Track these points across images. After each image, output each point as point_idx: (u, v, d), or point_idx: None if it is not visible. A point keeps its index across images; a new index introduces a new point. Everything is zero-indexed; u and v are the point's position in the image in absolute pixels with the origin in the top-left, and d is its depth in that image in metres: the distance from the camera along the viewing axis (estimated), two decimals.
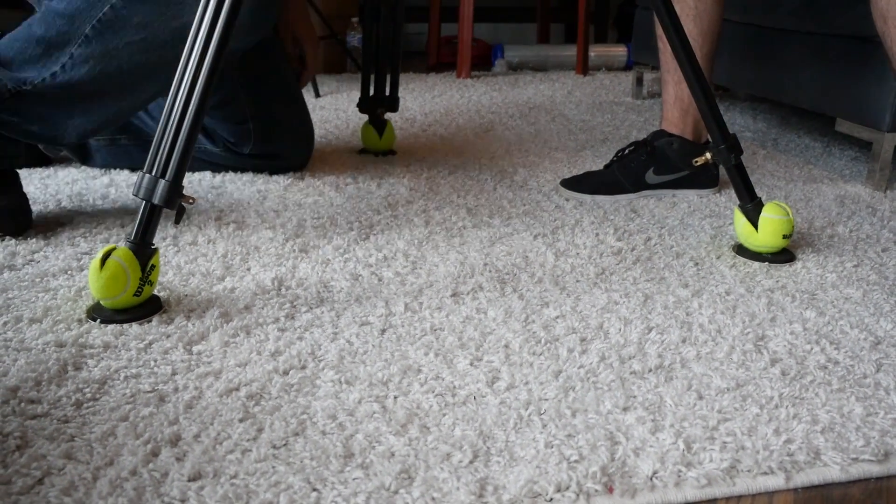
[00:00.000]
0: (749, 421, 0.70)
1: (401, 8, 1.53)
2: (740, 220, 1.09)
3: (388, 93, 1.59)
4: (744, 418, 0.71)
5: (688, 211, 1.29)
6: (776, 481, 0.63)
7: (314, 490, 0.60)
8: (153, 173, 0.89)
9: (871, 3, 1.17)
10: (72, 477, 0.61)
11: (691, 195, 1.37)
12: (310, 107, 2.13)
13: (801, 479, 0.64)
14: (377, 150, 1.61)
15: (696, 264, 1.07)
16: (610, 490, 0.61)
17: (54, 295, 0.93)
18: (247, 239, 1.12)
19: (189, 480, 0.61)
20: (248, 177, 1.43)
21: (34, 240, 1.10)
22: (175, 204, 0.89)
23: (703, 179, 1.36)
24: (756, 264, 1.07)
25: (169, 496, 0.59)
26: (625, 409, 0.72)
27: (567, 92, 2.48)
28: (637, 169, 1.34)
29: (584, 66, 2.91)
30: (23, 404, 0.70)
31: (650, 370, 0.79)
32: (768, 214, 1.07)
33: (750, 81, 1.77)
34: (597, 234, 1.17)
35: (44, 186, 1.36)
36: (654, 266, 1.06)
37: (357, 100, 1.61)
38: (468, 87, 2.56)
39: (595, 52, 3.05)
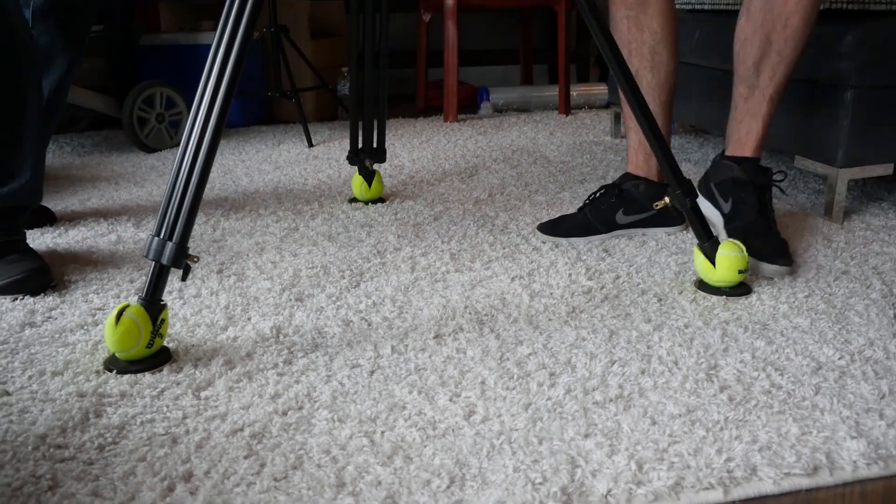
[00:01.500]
0: (696, 442, 0.79)
1: (384, 59, 1.64)
2: (699, 257, 1.19)
3: (375, 144, 1.70)
4: (691, 440, 0.80)
5: (655, 249, 1.39)
6: (716, 495, 0.72)
7: None
8: (161, 236, 0.99)
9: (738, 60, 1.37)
10: None
11: (660, 233, 1.47)
12: (303, 157, 2.25)
13: (738, 492, 0.73)
14: (366, 199, 1.71)
15: (660, 300, 1.16)
16: None
17: (73, 349, 1.02)
18: (247, 290, 1.22)
19: None
20: (246, 229, 1.53)
21: (50, 297, 1.20)
22: (182, 263, 0.98)
23: (670, 218, 1.46)
24: (715, 298, 1.17)
25: None
26: (586, 436, 0.81)
27: (549, 133, 2.60)
28: (607, 211, 1.44)
29: (566, 106, 3.03)
30: (51, 449, 0.79)
31: (611, 400, 0.88)
32: (724, 252, 1.16)
33: (715, 121, 1.88)
34: (570, 275, 1.26)
35: (55, 245, 1.46)
36: (620, 303, 1.15)
37: (347, 149, 1.72)
38: (454, 131, 2.68)
39: (577, 91, 3.18)
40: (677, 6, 1.91)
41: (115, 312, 0.95)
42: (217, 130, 0.99)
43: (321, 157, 2.25)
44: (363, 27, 1.61)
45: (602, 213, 1.44)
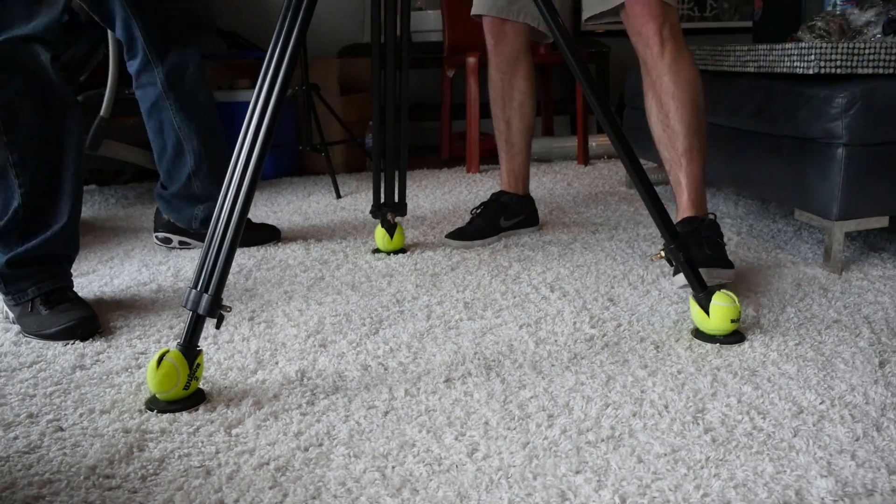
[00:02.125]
0: (677, 479, 0.87)
1: (405, 113, 1.77)
2: (695, 307, 1.27)
3: (396, 199, 1.82)
4: (673, 477, 0.88)
5: (658, 298, 1.47)
6: None
7: None
8: (198, 288, 1.10)
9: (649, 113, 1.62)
10: None
11: (530, 233, 1.97)
12: (331, 208, 2.37)
13: None
14: (389, 250, 1.82)
15: (657, 347, 1.24)
16: None
17: (119, 390, 1.13)
18: (275, 336, 1.33)
19: None
20: (276, 279, 1.65)
21: (98, 342, 1.32)
22: (216, 313, 1.09)
23: (534, 220, 2.02)
24: (709, 346, 1.24)
25: None
26: (577, 472, 0.89)
27: (567, 183, 2.70)
28: (494, 218, 1.93)
29: (584, 156, 3.14)
30: (100, 479, 0.90)
31: (602, 440, 0.96)
32: (717, 302, 1.24)
33: (723, 176, 1.97)
34: (574, 323, 1.35)
35: (101, 293, 1.58)
36: (619, 350, 1.24)
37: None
38: (476, 181, 2.79)
39: (595, 141, 3.28)
40: None
41: (156, 357, 1.06)
42: (251, 187, 1.11)
43: (348, 209, 2.37)
44: (385, 83, 1.74)
45: (490, 221, 1.91)
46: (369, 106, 3.34)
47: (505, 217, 1.94)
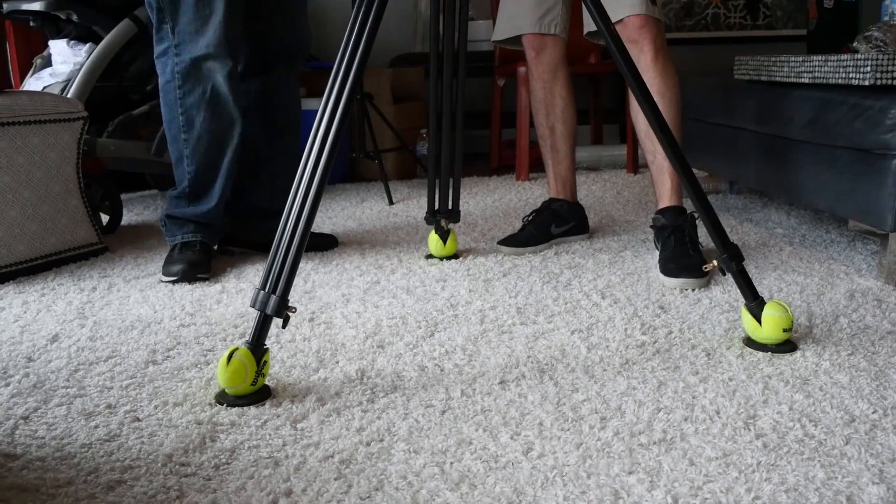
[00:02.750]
0: (728, 482, 0.89)
1: (460, 122, 1.82)
2: (746, 316, 1.29)
3: (450, 206, 1.86)
4: (724, 480, 0.90)
5: (709, 307, 1.49)
6: None
7: None
8: (266, 289, 1.16)
9: (635, 125, 1.81)
10: None
11: (583, 240, 2.02)
12: (384, 213, 2.43)
13: None
14: (442, 256, 1.87)
15: (708, 355, 1.26)
16: None
17: (189, 384, 1.20)
18: (335, 337, 1.38)
19: None
20: (334, 282, 1.70)
21: (167, 339, 1.39)
22: (283, 314, 1.15)
23: (584, 227, 2.08)
24: (760, 354, 1.26)
25: None
26: (629, 473, 0.92)
27: (616, 192, 2.72)
28: (545, 225, 1.99)
29: (634, 165, 3.15)
30: (177, 466, 0.96)
31: (654, 442, 0.99)
32: (769, 312, 1.26)
33: (775, 186, 1.97)
34: (625, 329, 1.38)
35: (170, 293, 1.66)
36: (671, 356, 1.26)
37: (424, 208, 1.89)
38: (526, 189, 2.83)
39: None
40: (736, 76, 2.03)
41: (226, 354, 1.12)
42: (319, 191, 1.17)
43: (400, 215, 2.43)
44: (441, 92, 1.79)
45: (541, 228, 1.96)
46: (420, 114, 3.41)
47: (556, 224, 2.00)
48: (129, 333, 1.43)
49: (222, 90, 1.76)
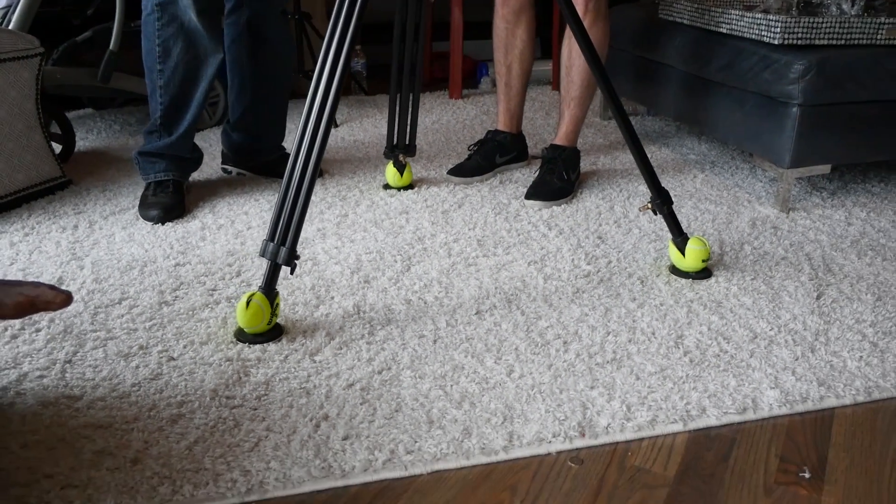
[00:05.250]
0: (666, 392, 1.17)
1: (419, 66, 1.94)
2: (673, 249, 1.55)
3: (407, 141, 2.03)
4: (663, 390, 1.17)
5: (639, 236, 1.75)
6: (678, 427, 1.10)
7: (415, 441, 1.06)
8: (275, 241, 1.33)
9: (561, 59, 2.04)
10: (275, 441, 1.06)
11: (520, 167, 2.27)
12: (332, 138, 2.56)
13: (693, 425, 1.10)
14: (398, 186, 2.05)
15: (642, 282, 1.53)
16: (582, 434, 1.07)
17: (208, 324, 1.37)
18: (323, 273, 1.57)
19: (342, 440, 1.06)
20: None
21: (170, 279, 1.54)
22: (293, 263, 1.33)
23: (524, 156, 2.29)
24: (684, 280, 1.53)
25: (334, 448, 1.04)
26: (591, 388, 1.18)
27: (545, 112, 2.92)
28: (490, 155, 2.19)
29: (558, 83, 3.34)
30: (224, 399, 1.15)
31: (608, 362, 1.25)
32: (692, 246, 1.53)
33: (691, 119, 2.22)
34: (572, 260, 1.62)
35: (153, 231, 1.79)
36: (612, 285, 1.52)
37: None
38: (459, 108, 2.99)
39: None
40: (661, 16, 2.23)
41: (244, 299, 1.30)
42: (322, 147, 1.32)
43: (347, 139, 2.56)
44: (406, 16, 1.88)
45: (487, 158, 2.18)
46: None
47: (500, 154, 2.21)
48: (129, 274, 1.56)
49: (194, 26, 1.83)
